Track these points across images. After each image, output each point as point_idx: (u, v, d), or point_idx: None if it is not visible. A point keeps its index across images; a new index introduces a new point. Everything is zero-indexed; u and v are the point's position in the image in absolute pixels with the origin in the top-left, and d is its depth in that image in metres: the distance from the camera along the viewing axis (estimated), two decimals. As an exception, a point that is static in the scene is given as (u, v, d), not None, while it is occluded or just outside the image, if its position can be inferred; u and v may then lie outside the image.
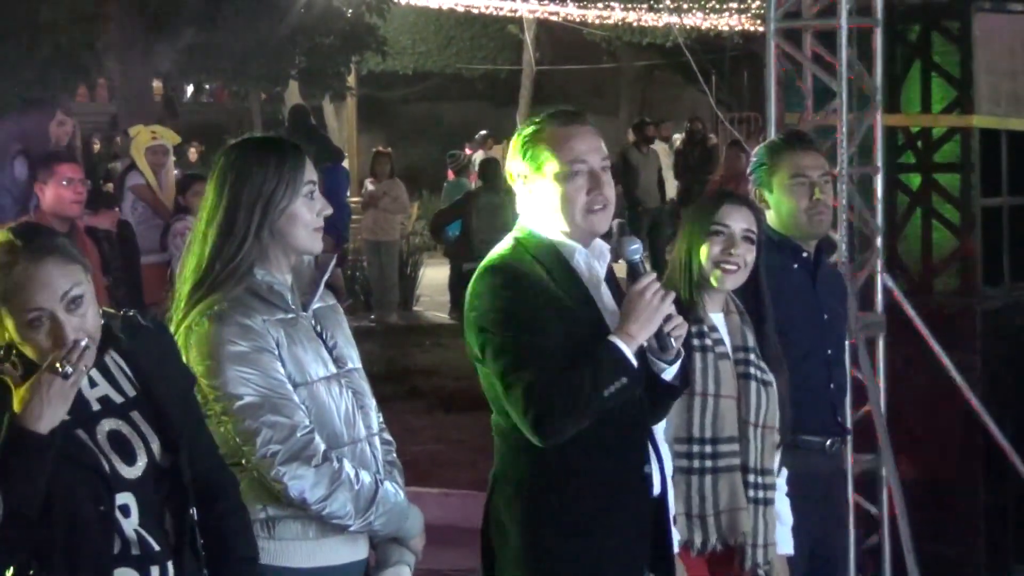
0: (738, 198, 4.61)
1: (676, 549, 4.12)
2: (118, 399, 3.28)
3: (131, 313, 3.40)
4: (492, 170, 15.35)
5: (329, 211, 3.77)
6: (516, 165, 3.94)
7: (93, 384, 3.26)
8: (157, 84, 22.43)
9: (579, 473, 3.81)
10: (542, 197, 3.89)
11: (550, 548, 3.84)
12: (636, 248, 3.83)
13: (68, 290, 3.19)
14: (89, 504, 3.16)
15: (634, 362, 3.74)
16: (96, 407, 3.25)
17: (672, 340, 3.83)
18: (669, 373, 3.89)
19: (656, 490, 3.93)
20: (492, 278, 3.83)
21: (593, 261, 3.92)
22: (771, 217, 5.01)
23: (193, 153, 20.10)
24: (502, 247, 3.93)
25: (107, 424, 3.24)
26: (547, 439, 3.75)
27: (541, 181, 3.88)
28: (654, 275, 3.80)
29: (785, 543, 4.56)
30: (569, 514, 3.82)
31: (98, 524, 3.17)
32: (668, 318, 3.79)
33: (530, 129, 3.94)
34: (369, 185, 17.18)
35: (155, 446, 3.26)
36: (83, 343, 3.11)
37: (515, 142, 3.96)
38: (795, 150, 5.04)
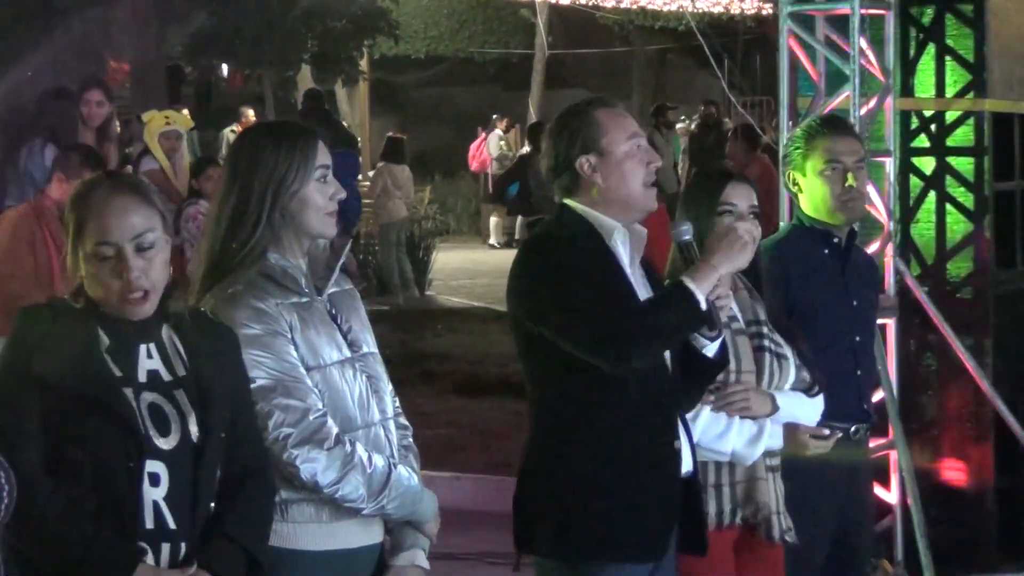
0: (739, 176, 4.63)
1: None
2: (167, 376, 3.35)
3: (203, 309, 3.50)
4: (540, 134, 15.91)
5: (343, 195, 3.78)
6: (580, 139, 4.00)
7: (149, 356, 3.34)
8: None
9: (608, 443, 3.87)
10: (601, 175, 3.97)
11: (579, 515, 3.89)
12: (687, 228, 3.99)
13: (142, 232, 3.28)
14: (118, 459, 3.22)
15: (700, 299, 3.80)
16: (143, 379, 3.31)
17: (717, 311, 3.91)
18: (710, 349, 3.97)
19: (687, 468, 3.99)
20: (540, 249, 3.98)
21: (627, 242, 4.00)
22: (803, 201, 4.98)
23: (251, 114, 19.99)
24: (547, 224, 4.08)
25: (148, 397, 3.30)
26: (619, 361, 3.80)
27: (603, 160, 3.97)
28: (752, 220, 4.04)
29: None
30: (598, 483, 3.88)
31: (124, 478, 3.22)
32: (715, 287, 3.88)
33: (581, 109, 4.04)
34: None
35: (192, 423, 3.31)
36: None
37: (567, 122, 4.03)
38: (830, 135, 4.99)
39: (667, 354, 3.96)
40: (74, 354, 3.25)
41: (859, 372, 4.99)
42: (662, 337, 3.87)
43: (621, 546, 3.88)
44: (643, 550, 3.91)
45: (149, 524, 3.25)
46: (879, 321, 6.44)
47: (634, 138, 3.99)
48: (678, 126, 22.80)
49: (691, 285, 3.81)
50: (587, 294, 3.82)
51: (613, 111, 4.04)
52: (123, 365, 3.30)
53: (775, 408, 4.28)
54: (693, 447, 4.06)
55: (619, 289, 3.88)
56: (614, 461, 3.88)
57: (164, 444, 3.27)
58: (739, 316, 4.48)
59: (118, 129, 10.31)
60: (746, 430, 4.36)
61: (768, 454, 4.45)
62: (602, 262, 3.91)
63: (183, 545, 3.30)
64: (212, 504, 3.36)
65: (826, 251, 4.97)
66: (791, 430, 4.42)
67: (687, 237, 3.94)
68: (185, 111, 16.93)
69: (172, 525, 3.27)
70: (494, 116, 24.72)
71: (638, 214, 4.02)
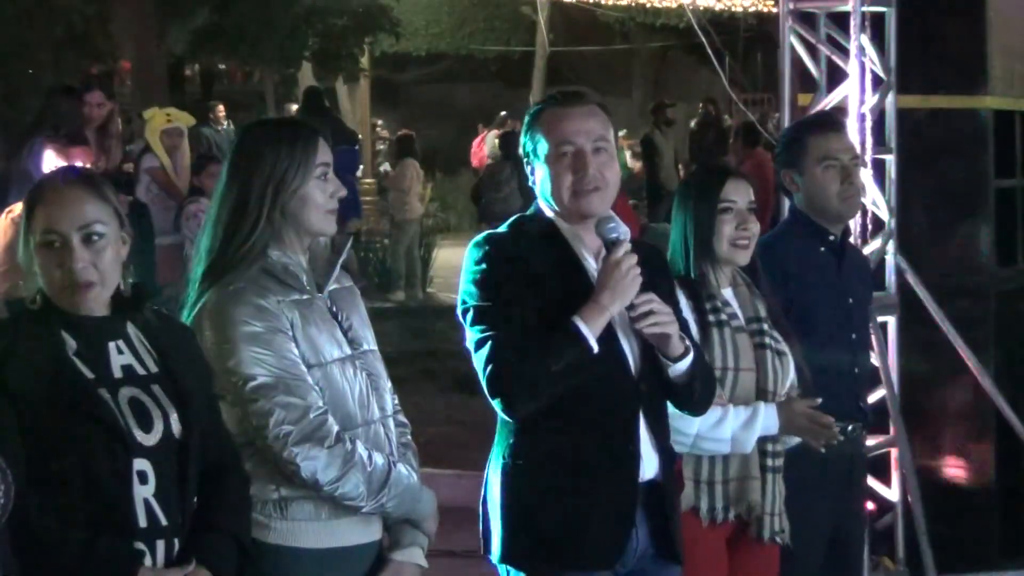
0: (737, 172, 4.62)
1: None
2: (141, 371, 3.33)
3: (158, 308, 3.47)
4: (505, 142, 15.90)
5: (343, 193, 3.78)
6: (522, 146, 3.98)
7: (120, 352, 3.32)
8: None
9: (559, 448, 3.81)
10: (538, 177, 3.92)
11: (529, 522, 3.84)
12: (613, 227, 3.81)
13: (89, 222, 3.25)
14: (105, 462, 3.19)
15: (590, 339, 3.71)
16: (119, 375, 3.29)
17: (653, 338, 3.81)
18: (673, 371, 3.86)
19: (648, 474, 3.88)
20: (473, 253, 3.87)
21: (589, 242, 3.90)
22: (799, 200, 4.98)
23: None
24: (505, 223, 3.99)
25: (127, 392, 3.28)
26: (506, 410, 3.78)
27: (537, 162, 3.91)
28: (628, 247, 3.79)
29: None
30: (548, 488, 3.82)
31: (114, 480, 3.20)
32: (646, 315, 3.77)
33: (533, 110, 3.98)
34: (387, 166, 17.42)
35: (173, 419, 3.30)
36: None
37: (524, 122, 4.00)
38: (825, 133, 5.00)
39: (629, 357, 3.85)
40: (42, 364, 3.20)
41: (856, 370, 4.99)
42: (548, 385, 3.73)
43: (568, 554, 3.81)
44: (591, 558, 3.83)
45: (143, 523, 3.23)
46: (880, 319, 6.45)
47: (562, 144, 3.84)
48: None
49: (582, 327, 3.71)
50: (489, 325, 3.74)
51: (558, 112, 3.89)
52: (94, 366, 3.26)
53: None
54: (665, 452, 3.94)
55: (534, 313, 3.75)
56: (562, 466, 3.80)
57: (147, 440, 3.25)
58: (739, 313, 4.48)
59: (119, 127, 10.32)
60: (741, 415, 4.34)
61: (772, 455, 4.45)
62: (539, 271, 3.80)
63: (176, 541, 3.29)
64: (195, 499, 3.35)
65: (822, 249, 4.97)
66: (787, 409, 4.40)
67: (614, 235, 3.79)
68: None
69: (164, 522, 3.26)
70: (503, 113, 24.67)
71: (578, 219, 3.88)
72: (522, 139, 3.97)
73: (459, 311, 3.86)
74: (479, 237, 3.91)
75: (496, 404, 3.79)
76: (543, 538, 3.84)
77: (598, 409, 3.81)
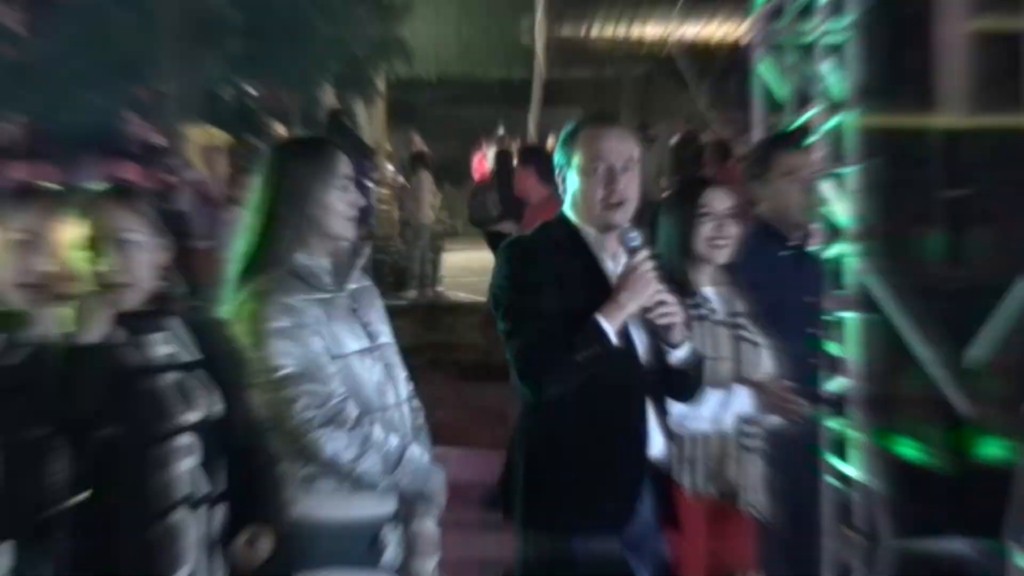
0: (715, 182, 4.64)
1: None
2: (183, 358, 3.35)
3: (197, 305, 3.53)
4: (497, 159, 16.04)
5: (363, 202, 3.79)
6: (556, 157, 4.03)
7: (165, 342, 3.34)
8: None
9: (579, 426, 3.85)
10: (571, 188, 3.96)
11: (550, 490, 3.88)
12: (634, 236, 3.86)
13: (118, 227, 3.30)
14: (152, 432, 3.22)
15: (610, 333, 3.77)
16: (163, 361, 3.33)
17: (661, 326, 3.85)
18: (674, 357, 3.91)
19: (655, 450, 3.94)
20: (504, 253, 3.95)
21: (609, 247, 3.94)
22: (764, 207, 4.98)
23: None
24: (534, 228, 4.06)
25: (171, 376, 3.31)
26: (536, 395, 3.83)
27: (571, 173, 3.95)
28: (648, 253, 3.85)
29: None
30: (568, 461, 3.86)
31: (161, 449, 3.22)
32: (658, 305, 3.82)
33: (571, 127, 4.02)
34: (399, 177, 17.68)
35: (214, 400, 3.32)
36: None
37: (560, 137, 4.04)
38: (786, 148, 5.01)
39: (637, 342, 3.90)
40: (96, 349, 3.23)
41: (813, 362, 4.99)
42: (574, 373, 3.78)
43: (585, 518, 3.85)
44: (606, 521, 3.86)
45: (188, 489, 3.26)
46: (842, 315, 6.44)
47: (596, 160, 3.89)
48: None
49: (603, 323, 3.77)
50: (522, 316, 3.80)
51: (594, 131, 3.95)
52: (140, 354, 3.29)
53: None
54: (668, 433, 3.99)
55: (559, 308, 3.80)
56: (581, 442, 3.84)
57: (191, 417, 3.29)
58: (719, 308, 4.48)
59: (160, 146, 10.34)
60: (717, 395, 4.37)
61: (750, 436, 4.44)
62: (562, 271, 3.85)
63: (216, 508, 3.32)
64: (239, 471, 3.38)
65: (782, 253, 4.98)
66: (760, 390, 4.40)
67: (635, 243, 3.85)
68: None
69: (206, 490, 3.30)
70: (500, 131, 24.69)
71: (600, 227, 3.93)
72: (557, 152, 4.02)
73: (491, 305, 3.92)
74: (509, 240, 4.01)
75: (526, 389, 3.83)
76: (562, 504, 3.87)
77: (614, 394, 3.86)
